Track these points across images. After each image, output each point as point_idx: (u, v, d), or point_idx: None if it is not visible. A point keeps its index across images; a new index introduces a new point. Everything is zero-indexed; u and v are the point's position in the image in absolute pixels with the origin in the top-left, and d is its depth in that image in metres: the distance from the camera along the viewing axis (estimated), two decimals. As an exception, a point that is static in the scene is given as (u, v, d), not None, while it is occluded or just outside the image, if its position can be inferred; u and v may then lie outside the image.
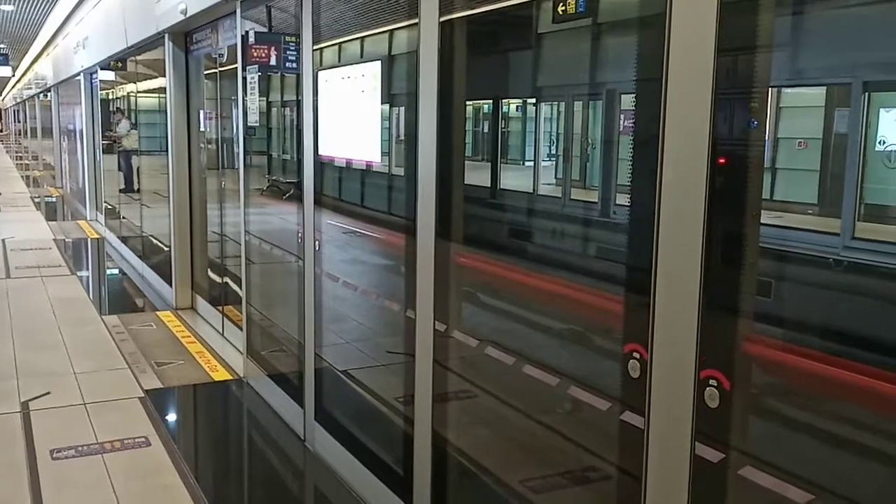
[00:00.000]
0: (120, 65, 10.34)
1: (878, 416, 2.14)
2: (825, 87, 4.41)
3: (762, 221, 1.92)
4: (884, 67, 3.23)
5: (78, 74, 13.23)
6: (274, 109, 6.19)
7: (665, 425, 2.00)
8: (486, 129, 7.18)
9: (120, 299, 8.59)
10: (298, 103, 4.42)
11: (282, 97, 5.99)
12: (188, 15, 6.00)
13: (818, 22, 2.32)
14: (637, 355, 2.08)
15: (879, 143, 4.23)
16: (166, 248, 7.94)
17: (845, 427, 2.25)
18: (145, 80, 9.43)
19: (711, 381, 1.88)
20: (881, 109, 4.13)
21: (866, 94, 4.05)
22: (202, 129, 7.29)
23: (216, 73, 6.76)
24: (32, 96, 27.64)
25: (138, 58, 9.30)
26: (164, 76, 7.46)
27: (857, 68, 3.66)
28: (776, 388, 2.34)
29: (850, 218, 4.05)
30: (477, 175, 5.31)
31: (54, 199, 17.37)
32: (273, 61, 4.70)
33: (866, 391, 2.10)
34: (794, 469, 2.03)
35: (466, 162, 3.18)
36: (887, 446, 2.08)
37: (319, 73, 4.14)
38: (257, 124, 5.21)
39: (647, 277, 2.00)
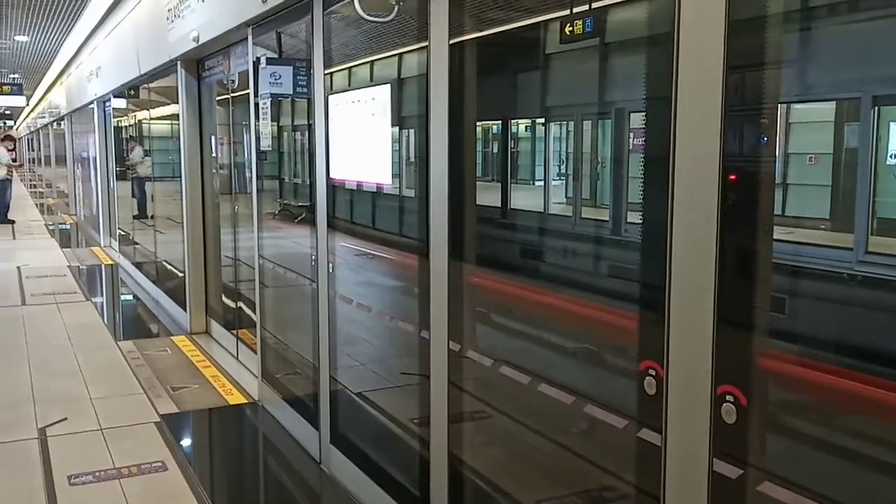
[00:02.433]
0: (133, 92, 10.46)
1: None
2: (835, 103, 4.42)
3: (775, 237, 1.92)
4: (893, 82, 3.24)
5: (91, 103, 13.39)
6: (285, 134, 6.25)
7: (682, 442, 1.99)
8: (495, 150, 7.22)
9: (135, 325, 8.63)
10: (310, 127, 4.46)
11: (292, 122, 6.05)
12: (200, 42, 6.08)
13: (826, 38, 2.33)
14: (653, 372, 2.08)
15: (891, 157, 4.23)
16: (180, 274, 7.99)
17: (862, 441, 2.24)
18: (158, 107, 9.53)
19: (728, 397, 1.88)
20: (891, 123, 4.13)
21: (876, 108, 4.05)
22: (214, 154, 7.36)
23: (228, 98, 6.84)
24: (46, 125, 27.95)
25: (151, 85, 9.41)
26: (177, 103, 7.54)
27: (866, 83, 3.67)
28: (793, 404, 2.33)
29: (863, 232, 4.04)
30: (487, 195, 5.34)
31: (68, 227, 17.50)
32: (285, 87, 4.75)
33: (883, 405, 2.09)
34: (812, 485, 2.02)
35: (477, 182, 3.21)
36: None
37: (330, 97, 4.18)
38: (269, 149, 5.26)
39: (662, 294, 2.00)
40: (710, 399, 1.91)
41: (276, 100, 5.06)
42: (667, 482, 2.05)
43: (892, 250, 3.98)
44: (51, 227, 16.98)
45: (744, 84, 1.87)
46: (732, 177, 1.86)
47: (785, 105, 3.64)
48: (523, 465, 3.34)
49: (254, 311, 5.61)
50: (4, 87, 20.37)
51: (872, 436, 2.24)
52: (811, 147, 4.90)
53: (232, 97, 6.71)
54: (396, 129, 4.05)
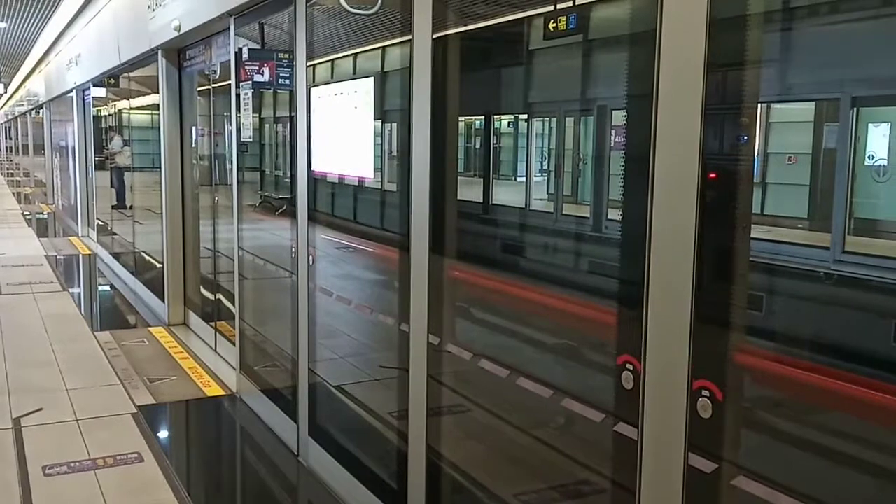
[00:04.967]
0: (113, 81, 10.36)
1: (867, 426, 2.16)
2: (814, 103, 4.45)
3: (753, 235, 1.94)
4: (871, 83, 3.27)
5: (70, 91, 13.24)
6: (266, 125, 6.22)
7: (658, 436, 2.01)
8: (478, 145, 7.22)
9: (112, 315, 8.57)
10: (291, 119, 4.44)
11: (274, 113, 6.02)
12: (182, 31, 6.03)
13: (806, 38, 2.35)
14: (630, 367, 2.09)
15: (868, 157, 4.27)
16: (158, 265, 7.93)
17: (835, 438, 2.27)
18: (138, 96, 9.45)
19: (704, 392, 1.90)
20: (870, 124, 4.17)
21: (855, 109, 4.09)
22: (195, 145, 7.31)
23: (209, 89, 6.79)
24: (24, 113, 27.62)
25: (131, 74, 9.32)
26: (157, 93, 7.48)
27: (846, 84, 3.70)
28: (767, 400, 2.35)
29: (840, 232, 4.08)
30: (469, 190, 5.34)
31: (46, 216, 17.32)
32: (266, 78, 4.73)
33: (856, 402, 2.12)
34: (785, 480, 2.04)
35: (458, 177, 3.21)
36: (878, 457, 2.09)
37: (312, 89, 4.16)
38: (250, 140, 5.23)
39: (640, 290, 2.02)
40: (686, 394, 1.92)
41: (258, 91, 5.03)
42: (642, 476, 2.06)
43: (869, 250, 4.02)
44: (28, 217, 16.80)
45: (724, 83, 1.89)
46: (712, 175, 1.88)
47: (765, 104, 3.67)
48: (500, 459, 3.35)
49: (232, 303, 5.59)
50: (-18, 74, 20.14)
51: (845, 432, 2.26)
52: (790, 147, 4.93)
53: (213, 88, 6.66)
54: (379, 122, 4.04)
